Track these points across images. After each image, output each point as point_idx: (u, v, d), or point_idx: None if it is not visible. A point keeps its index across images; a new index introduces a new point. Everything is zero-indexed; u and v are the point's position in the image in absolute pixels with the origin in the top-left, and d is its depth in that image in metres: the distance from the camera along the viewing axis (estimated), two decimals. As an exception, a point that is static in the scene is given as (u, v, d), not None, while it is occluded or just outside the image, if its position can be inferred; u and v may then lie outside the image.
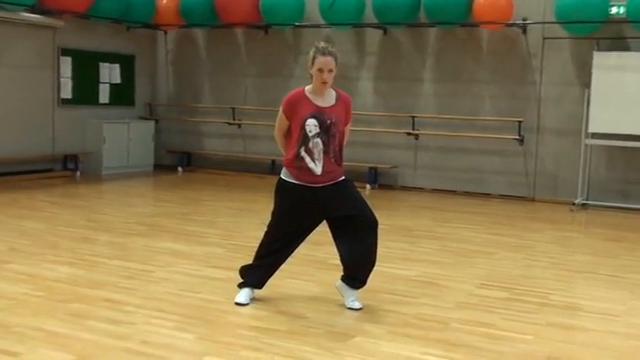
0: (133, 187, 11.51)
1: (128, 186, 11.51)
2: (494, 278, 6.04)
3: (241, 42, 13.14)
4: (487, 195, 11.21)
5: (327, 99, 4.86)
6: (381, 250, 7.04)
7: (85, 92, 12.60)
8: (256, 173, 12.68)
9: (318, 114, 4.77)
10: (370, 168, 11.69)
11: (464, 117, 11.27)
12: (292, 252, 5.04)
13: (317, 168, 4.77)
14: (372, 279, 5.68)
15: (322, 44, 4.85)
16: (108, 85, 13.04)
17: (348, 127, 5.01)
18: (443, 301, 5.27)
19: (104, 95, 12.99)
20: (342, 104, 4.89)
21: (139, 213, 8.88)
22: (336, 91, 4.92)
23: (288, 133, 4.89)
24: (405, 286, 5.70)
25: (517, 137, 10.84)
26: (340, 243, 4.93)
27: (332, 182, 4.83)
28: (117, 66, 13.14)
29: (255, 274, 5.05)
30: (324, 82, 4.78)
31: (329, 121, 4.76)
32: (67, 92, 12.30)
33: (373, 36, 11.96)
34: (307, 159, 4.77)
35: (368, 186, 11.56)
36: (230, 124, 13.02)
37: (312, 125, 4.75)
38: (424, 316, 4.89)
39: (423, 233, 8.05)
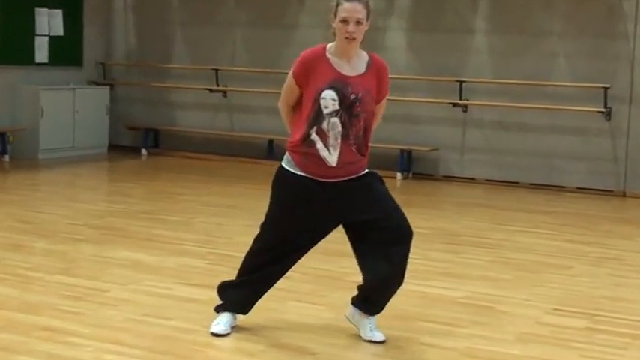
0: (81, 176, 11.52)
1: (74, 174, 11.52)
2: (570, 301, 6.02)
3: (227, -20, 13.14)
4: (560, 188, 11.18)
5: (355, 64, 4.82)
6: (414, 263, 7.04)
7: (15, 48, 12.61)
8: (248, 158, 12.69)
9: (340, 84, 4.74)
10: (402, 151, 11.68)
11: (529, 82, 11.23)
12: (289, 267, 5.05)
13: (331, 157, 4.75)
14: (404, 302, 5.68)
15: None
16: (47, 38, 13.06)
17: (382, 105, 4.96)
18: (500, 332, 5.26)
19: (42, 52, 13.01)
20: (374, 73, 4.84)
21: (88, 212, 8.89)
22: (369, 56, 4.89)
23: (297, 106, 4.87)
24: (449, 311, 5.69)
25: (602, 110, 10.80)
26: (362, 259, 4.92)
27: (350, 177, 4.83)
28: (59, 12, 13.15)
29: (237, 295, 5.05)
30: (350, 38, 4.74)
31: (353, 96, 4.73)
32: (-9, 48, 12.36)
33: (406, -29, 11.95)
34: (319, 144, 4.74)
35: (399, 175, 11.55)
36: (212, 90, 13.03)
37: (329, 99, 4.72)
38: (475, 352, 4.88)
39: (472, 240, 8.04)
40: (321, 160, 4.76)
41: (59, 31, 13.18)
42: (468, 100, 11.52)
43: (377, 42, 11.91)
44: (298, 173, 4.80)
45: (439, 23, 11.79)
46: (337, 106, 4.71)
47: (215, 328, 4.99)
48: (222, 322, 5.02)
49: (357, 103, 4.74)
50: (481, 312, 5.68)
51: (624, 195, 10.91)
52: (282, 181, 4.87)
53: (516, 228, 8.66)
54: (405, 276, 4.95)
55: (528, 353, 4.88)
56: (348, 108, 4.72)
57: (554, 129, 11.26)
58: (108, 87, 13.65)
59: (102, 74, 13.92)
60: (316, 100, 4.73)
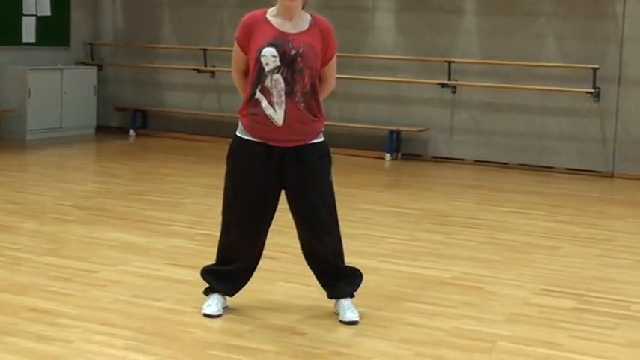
0: (69, 157, 11.48)
1: (62, 155, 11.49)
2: (559, 282, 6.04)
3: (215, -41, 13.08)
4: (549, 169, 11.20)
5: (297, 23, 4.85)
6: (403, 244, 7.06)
7: (2, 28, 12.53)
8: (236, 139, 12.66)
9: (280, 41, 4.77)
10: (391, 132, 11.67)
11: (518, 63, 11.22)
12: (262, 243, 5.06)
13: (277, 115, 4.76)
14: (393, 282, 5.68)
15: None
16: (34, 18, 12.98)
17: (332, 69, 4.96)
18: (489, 313, 5.28)
19: (29, 32, 12.94)
20: (316, 31, 4.85)
21: (76, 192, 8.87)
22: (312, 16, 4.91)
23: (248, 71, 4.91)
24: (438, 291, 5.71)
25: (591, 90, 10.80)
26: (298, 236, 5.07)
27: (299, 144, 4.82)
28: (46, -8, 13.10)
29: (220, 283, 5.07)
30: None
31: (294, 51, 4.75)
32: (-22, 28, 12.28)
33: (395, -49, 11.91)
34: (264, 102, 4.77)
35: (388, 156, 11.53)
36: (200, 71, 12.99)
37: (269, 56, 4.75)
38: (464, 333, 4.90)
39: (462, 220, 8.05)
40: (267, 120, 4.77)
41: (46, 11, 13.09)
42: (456, 80, 11.51)
43: (365, 23, 11.89)
44: (248, 138, 4.83)
45: (428, 3, 11.76)
46: (278, 63, 4.75)
47: (208, 310, 5.00)
48: (214, 302, 5.03)
49: (299, 59, 4.76)
50: (470, 292, 5.69)
51: (612, 176, 10.93)
52: (234, 150, 4.91)
53: (505, 209, 8.67)
54: (344, 255, 5.07)
55: (517, 334, 4.89)
56: (289, 63, 4.75)
57: (543, 110, 11.27)
58: (95, 67, 13.59)
59: (89, 55, 13.86)
60: (257, 60, 4.77)
